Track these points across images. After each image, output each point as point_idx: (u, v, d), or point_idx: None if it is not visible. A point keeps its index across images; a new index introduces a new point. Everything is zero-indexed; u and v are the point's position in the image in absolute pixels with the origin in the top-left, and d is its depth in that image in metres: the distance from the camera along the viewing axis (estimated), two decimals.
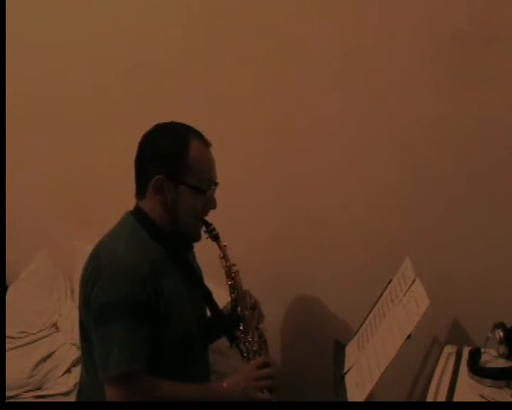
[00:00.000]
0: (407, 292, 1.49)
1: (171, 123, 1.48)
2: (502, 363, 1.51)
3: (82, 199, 2.48)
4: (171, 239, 1.47)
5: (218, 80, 2.02)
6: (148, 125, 1.48)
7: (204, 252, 1.57)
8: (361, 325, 1.67)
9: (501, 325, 1.50)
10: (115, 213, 1.51)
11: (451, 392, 1.45)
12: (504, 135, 1.62)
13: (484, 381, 1.45)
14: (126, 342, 1.33)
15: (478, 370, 1.49)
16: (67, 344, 2.23)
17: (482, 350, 1.54)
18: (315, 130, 1.91)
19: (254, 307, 1.62)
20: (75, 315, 1.94)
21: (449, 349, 1.66)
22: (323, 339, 1.90)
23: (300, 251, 2.03)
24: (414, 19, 1.68)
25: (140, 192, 1.48)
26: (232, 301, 1.58)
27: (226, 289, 1.59)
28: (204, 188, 1.45)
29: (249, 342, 1.54)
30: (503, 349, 1.51)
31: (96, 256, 1.42)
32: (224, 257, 1.56)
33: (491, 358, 1.55)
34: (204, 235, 1.53)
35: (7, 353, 2.17)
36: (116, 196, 1.81)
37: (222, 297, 1.66)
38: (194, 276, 1.56)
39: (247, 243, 2.00)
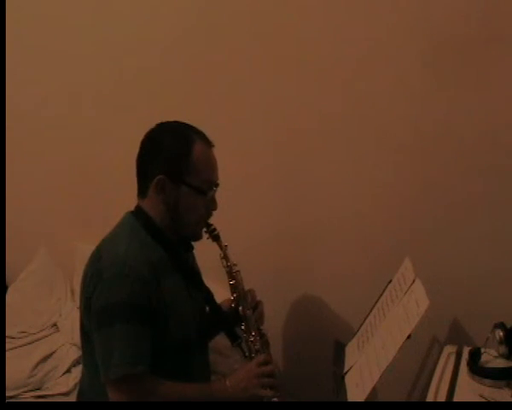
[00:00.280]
0: (407, 292, 1.49)
1: (175, 122, 1.47)
2: (502, 363, 1.51)
3: (82, 199, 2.48)
4: (171, 239, 1.47)
5: (220, 80, 2.02)
6: (150, 126, 1.48)
7: (205, 252, 1.57)
8: (361, 325, 1.68)
9: (501, 325, 1.50)
10: (116, 213, 1.51)
11: (451, 392, 1.44)
12: (505, 135, 1.62)
13: (484, 381, 1.45)
14: (128, 344, 1.33)
15: (478, 370, 1.49)
16: (67, 344, 2.23)
17: (482, 350, 1.54)
18: (315, 130, 1.91)
19: (256, 306, 1.62)
20: (75, 315, 1.95)
21: (449, 349, 1.66)
22: (323, 339, 1.91)
23: (301, 251, 2.03)
24: (414, 19, 1.68)
25: (141, 192, 1.47)
26: (234, 300, 1.58)
27: (227, 289, 1.59)
28: (205, 189, 1.45)
29: (251, 341, 1.54)
30: (503, 349, 1.51)
31: (96, 258, 1.42)
32: (225, 257, 1.56)
33: (491, 358, 1.55)
34: (204, 235, 1.53)
35: (7, 353, 2.17)
36: (117, 196, 1.81)
37: (222, 297, 1.66)
38: (194, 276, 1.56)
39: (248, 244, 2.00)
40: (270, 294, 1.72)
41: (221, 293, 1.65)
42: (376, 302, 1.67)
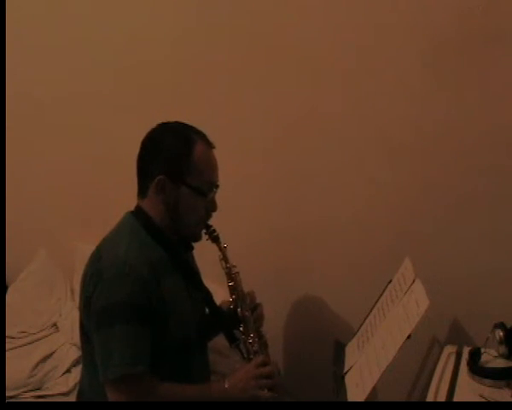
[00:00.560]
0: (407, 292, 1.49)
1: (175, 123, 1.47)
2: (502, 363, 1.51)
3: (83, 199, 2.48)
4: (171, 239, 1.47)
5: (220, 80, 2.02)
6: (150, 126, 1.48)
7: (204, 253, 1.57)
8: (361, 325, 1.68)
9: (501, 325, 1.50)
10: (116, 213, 1.50)
11: (451, 392, 1.44)
12: (505, 135, 1.62)
13: (484, 381, 1.45)
14: (128, 344, 1.32)
15: (478, 370, 1.49)
16: (67, 344, 2.23)
17: (482, 350, 1.54)
18: (315, 130, 1.91)
19: (255, 308, 1.62)
20: (75, 315, 1.95)
21: (449, 349, 1.66)
22: (323, 339, 1.90)
23: (300, 252, 2.03)
24: (414, 19, 1.68)
25: (141, 191, 1.47)
26: (233, 302, 1.58)
27: (226, 290, 1.59)
28: (205, 190, 1.45)
29: (250, 343, 1.54)
30: (503, 349, 1.51)
31: (96, 258, 1.42)
32: (224, 258, 1.56)
33: (491, 358, 1.55)
34: (204, 236, 1.53)
35: (7, 353, 2.18)
36: (117, 196, 1.81)
37: (222, 298, 1.66)
38: (193, 276, 1.56)
39: (247, 244, 2.00)
40: (270, 294, 1.72)
41: (220, 294, 1.65)
42: (376, 302, 1.67)
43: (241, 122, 2.02)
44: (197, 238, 1.52)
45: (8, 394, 1.98)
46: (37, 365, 2.15)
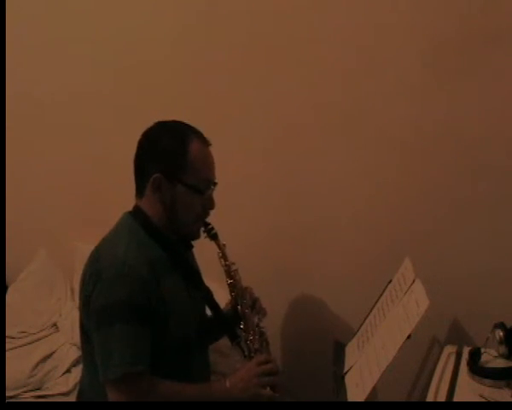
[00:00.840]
0: (407, 292, 1.49)
1: (172, 121, 1.47)
2: (502, 363, 1.51)
3: (82, 199, 2.48)
4: (170, 238, 1.47)
5: (218, 79, 2.02)
6: (149, 125, 1.48)
7: (203, 251, 1.57)
8: (361, 325, 1.68)
9: (501, 325, 1.50)
10: (116, 213, 1.50)
11: (451, 392, 1.44)
12: (505, 135, 1.62)
13: (484, 381, 1.46)
14: (127, 344, 1.32)
15: (478, 370, 1.49)
16: (67, 344, 2.23)
17: (482, 350, 1.54)
18: (315, 130, 1.91)
19: (254, 304, 1.62)
20: (75, 315, 1.95)
21: (449, 349, 1.66)
22: (323, 339, 1.90)
23: (300, 250, 2.03)
24: (414, 19, 1.68)
25: (139, 191, 1.47)
26: (232, 299, 1.58)
27: (226, 288, 1.59)
28: (202, 188, 1.44)
29: (250, 340, 1.53)
30: (503, 349, 1.51)
31: (95, 258, 1.42)
32: (223, 256, 1.56)
33: (491, 358, 1.55)
34: (202, 234, 1.53)
35: (7, 353, 2.17)
36: (117, 196, 1.80)
37: (222, 297, 1.66)
38: (193, 275, 1.56)
39: (246, 242, 2.00)
40: (270, 293, 1.72)
41: (220, 292, 1.65)
42: (376, 302, 1.66)
43: (242, 122, 2.02)
44: (195, 236, 1.52)
45: (8, 394, 1.98)
46: (37, 365, 2.15)
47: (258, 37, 1.93)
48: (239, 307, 1.56)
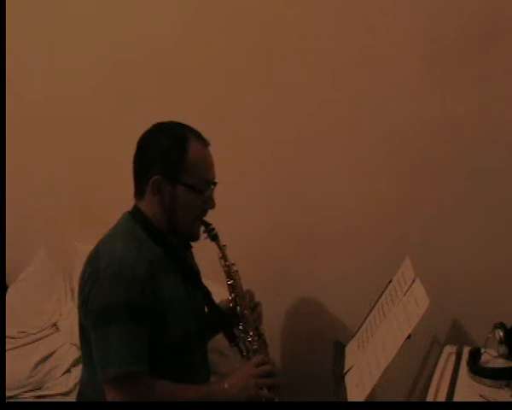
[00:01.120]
0: (407, 292, 1.49)
1: (170, 122, 1.47)
2: (502, 363, 1.51)
3: (82, 200, 2.48)
4: (169, 239, 1.47)
5: (217, 79, 2.02)
6: (148, 126, 1.48)
7: (203, 252, 1.57)
8: (361, 325, 1.67)
9: (501, 325, 1.50)
10: (116, 213, 1.51)
11: (451, 392, 1.44)
12: (505, 135, 1.62)
13: (484, 381, 1.45)
14: (125, 344, 1.32)
15: (478, 370, 1.49)
16: (67, 344, 2.23)
17: (482, 350, 1.54)
18: (315, 129, 1.91)
19: (255, 307, 1.62)
20: (75, 315, 1.93)
21: (449, 349, 1.66)
22: (323, 339, 1.90)
23: (300, 251, 2.03)
24: (415, 19, 1.68)
25: (138, 192, 1.47)
26: (232, 300, 1.58)
27: (226, 288, 1.59)
28: (202, 188, 1.44)
29: (249, 341, 1.54)
30: (503, 349, 1.51)
31: (94, 258, 1.42)
32: (224, 257, 1.56)
33: (491, 358, 1.54)
34: (203, 235, 1.53)
35: (7, 353, 2.17)
36: (116, 196, 1.80)
37: (221, 297, 1.66)
38: (192, 276, 1.56)
39: (247, 244, 2.00)
40: (270, 294, 1.72)
41: (220, 293, 1.65)
42: (376, 302, 1.66)
43: (241, 122, 2.02)
44: (195, 237, 1.52)
45: (8, 394, 1.98)
46: (37, 365, 2.15)
47: (257, 36, 1.93)
48: (238, 307, 1.56)
